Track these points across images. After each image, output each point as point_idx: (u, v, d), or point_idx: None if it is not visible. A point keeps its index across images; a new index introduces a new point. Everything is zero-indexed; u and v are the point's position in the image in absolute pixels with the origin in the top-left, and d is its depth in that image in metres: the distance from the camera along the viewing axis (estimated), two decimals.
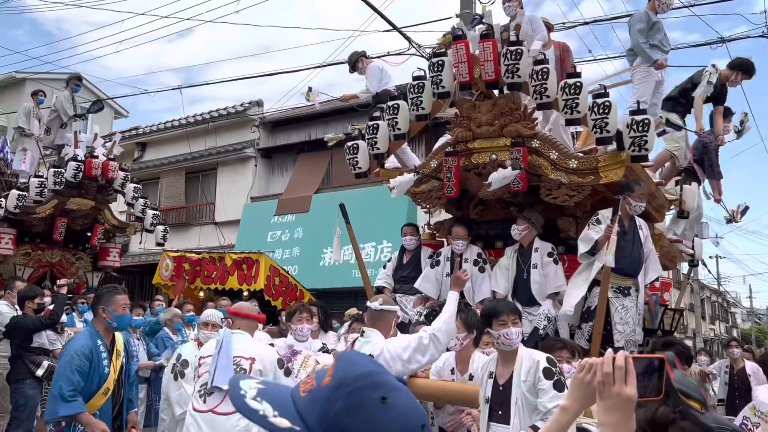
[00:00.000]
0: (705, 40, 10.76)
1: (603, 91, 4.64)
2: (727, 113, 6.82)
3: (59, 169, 8.69)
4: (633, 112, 4.57)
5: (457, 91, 5.29)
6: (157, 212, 9.97)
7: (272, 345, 4.59)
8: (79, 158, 8.78)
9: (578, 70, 5.16)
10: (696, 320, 26.67)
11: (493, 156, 5.05)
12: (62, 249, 9.52)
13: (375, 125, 5.56)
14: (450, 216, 6.19)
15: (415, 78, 5.35)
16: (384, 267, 6.50)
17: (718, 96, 6.65)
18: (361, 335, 3.65)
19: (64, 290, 6.83)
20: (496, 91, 5.28)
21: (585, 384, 1.62)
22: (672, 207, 6.31)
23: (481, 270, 5.53)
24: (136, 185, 9.63)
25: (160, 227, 9.75)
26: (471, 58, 5.04)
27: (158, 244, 9.94)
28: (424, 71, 5.30)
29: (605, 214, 4.71)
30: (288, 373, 3.85)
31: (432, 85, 5.20)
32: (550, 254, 5.17)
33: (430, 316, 5.30)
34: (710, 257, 33.47)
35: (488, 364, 3.45)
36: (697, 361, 8.24)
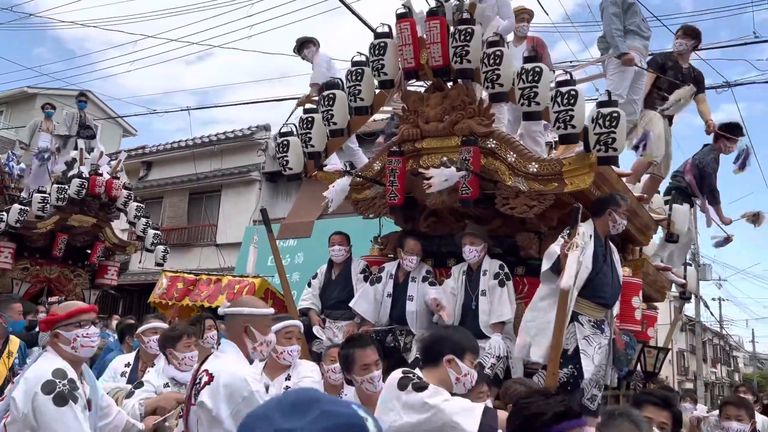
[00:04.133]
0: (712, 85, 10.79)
1: (568, 78, 3.89)
2: (731, 133, 6.10)
3: (63, 186, 8.73)
4: (600, 104, 3.82)
5: (402, 80, 4.56)
6: (159, 232, 9.98)
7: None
8: (83, 175, 8.83)
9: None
10: (697, 363, 26.34)
11: (444, 158, 4.25)
12: (61, 265, 9.53)
13: (309, 119, 4.79)
14: (399, 229, 5.35)
15: (354, 63, 4.62)
16: (309, 285, 5.50)
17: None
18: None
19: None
20: (450, 83, 4.59)
21: None
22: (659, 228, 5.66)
23: (432, 285, 4.78)
24: (139, 204, 9.66)
25: (161, 247, 9.76)
26: (417, 41, 4.34)
27: (158, 264, 9.92)
28: (366, 56, 4.57)
29: (584, 228, 3.93)
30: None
31: (373, 71, 4.49)
32: (496, 275, 4.41)
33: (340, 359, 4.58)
34: (713, 299, 33.25)
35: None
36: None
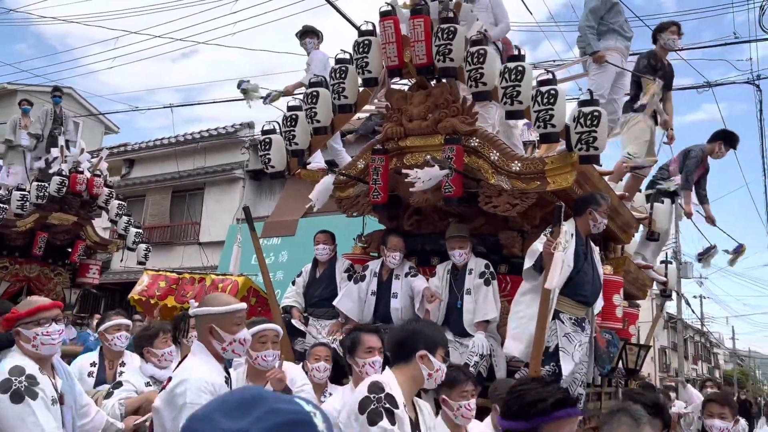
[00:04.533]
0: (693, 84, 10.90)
1: (549, 77, 3.91)
2: (731, 140, 6.23)
3: (42, 183, 8.61)
4: (582, 103, 3.85)
5: (386, 78, 4.56)
6: (140, 230, 9.87)
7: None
8: (63, 173, 8.71)
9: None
10: (678, 359, 26.65)
11: (428, 156, 4.27)
12: (41, 264, 9.40)
13: (293, 116, 4.77)
14: (382, 227, 5.39)
15: (337, 61, 4.62)
16: (293, 283, 5.56)
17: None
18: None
19: None
20: (434, 82, 4.59)
21: None
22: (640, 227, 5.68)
23: (414, 276, 4.78)
24: (121, 202, 9.55)
25: (143, 246, 9.66)
26: (401, 39, 4.36)
27: (139, 263, 9.81)
28: (349, 53, 4.57)
29: (566, 227, 3.92)
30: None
31: (357, 69, 4.49)
32: (482, 274, 4.44)
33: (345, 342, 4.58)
34: (694, 297, 33.63)
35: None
36: None
